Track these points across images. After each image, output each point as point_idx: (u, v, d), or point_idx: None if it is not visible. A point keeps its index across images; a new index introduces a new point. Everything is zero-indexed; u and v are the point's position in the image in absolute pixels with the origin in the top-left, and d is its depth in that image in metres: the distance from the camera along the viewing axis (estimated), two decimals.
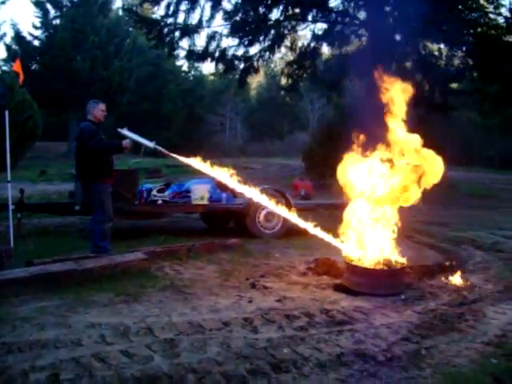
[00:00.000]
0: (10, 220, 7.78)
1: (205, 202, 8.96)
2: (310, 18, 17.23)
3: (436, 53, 17.42)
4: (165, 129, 40.44)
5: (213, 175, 6.86)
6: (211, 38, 16.94)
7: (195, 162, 6.65)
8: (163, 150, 6.74)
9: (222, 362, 3.67)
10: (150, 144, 6.66)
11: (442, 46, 17.26)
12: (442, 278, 6.17)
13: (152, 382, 3.36)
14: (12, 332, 4.16)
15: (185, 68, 48.29)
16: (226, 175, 6.60)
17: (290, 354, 3.84)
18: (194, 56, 17.53)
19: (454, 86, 19.11)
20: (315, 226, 6.60)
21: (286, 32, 17.50)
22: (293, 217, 6.86)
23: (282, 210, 7.07)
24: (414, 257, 6.41)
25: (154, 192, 8.91)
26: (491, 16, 16.62)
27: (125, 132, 6.69)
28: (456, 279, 6.05)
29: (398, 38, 16.28)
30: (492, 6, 16.57)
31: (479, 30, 16.49)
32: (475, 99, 19.25)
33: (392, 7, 15.65)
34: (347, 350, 3.94)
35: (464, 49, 16.74)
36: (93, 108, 6.94)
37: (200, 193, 8.95)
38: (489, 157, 29.03)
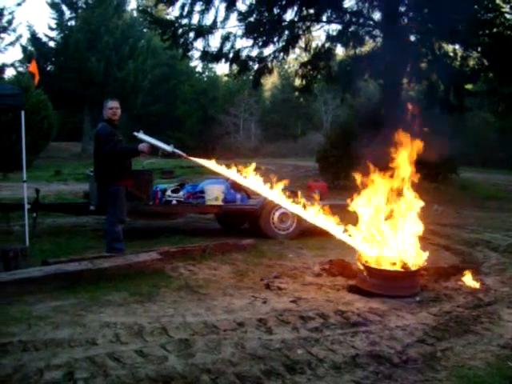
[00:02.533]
0: (25, 219, 7.85)
1: (219, 202, 8.96)
2: (324, 18, 17.16)
3: (451, 53, 17.31)
4: (178, 130, 40.54)
5: (230, 177, 6.85)
6: (225, 38, 16.92)
7: (213, 164, 6.62)
8: (181, 153, 6.67)
9: (236, 363, 3.67)
10: (168, 147, 6.55)
11: (457, 46, 17.15)
12: (458, 280, 6.12)
13: (166, 382, 3.36)
14: (27, 330, 4.19)
15: (199, 69, 48.36)
16: (242, 177, 6.57)
17: (304, 356, 3.83)
18: (208, 57, 17.52)
19: (469, 86, 18.94)
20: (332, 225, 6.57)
21: (300, 33, 17.46)
22: (309, 216, 6.82)
23: (298, 210, 7.04)
24: (429, 258, 6.36)
25: (169, 192, 8.93)
26: (507, 16, 16.48)
27: (141, 135, 6.61)
28: (471, 281, 6.00)
29: (412, 38, 16.22)
30: (508, 6, 16.43)
31: (495, 30, 16.33)
32: (491, 100, 19.09)
33: (406, 8, 15.58)
34: (362, 351, 3.93)
35: (479, 49, 16.62)
36: (104, 107, 6.82)
37: (214, 193, 8.95)
38: (504, 158, 28.79)
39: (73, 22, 37.23)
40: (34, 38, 36.43)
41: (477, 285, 5.94)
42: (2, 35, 33.92)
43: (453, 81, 16.29)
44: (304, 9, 16.69)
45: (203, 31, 16.62)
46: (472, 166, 24.36)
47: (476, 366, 3.72)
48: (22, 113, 7.91)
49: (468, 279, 6.04)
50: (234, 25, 17.41)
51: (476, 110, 23.17)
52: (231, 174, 6.59)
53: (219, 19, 16.53)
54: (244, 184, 6.88)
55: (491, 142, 30.36)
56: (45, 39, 37.21)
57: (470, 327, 4.53)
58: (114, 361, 3.64)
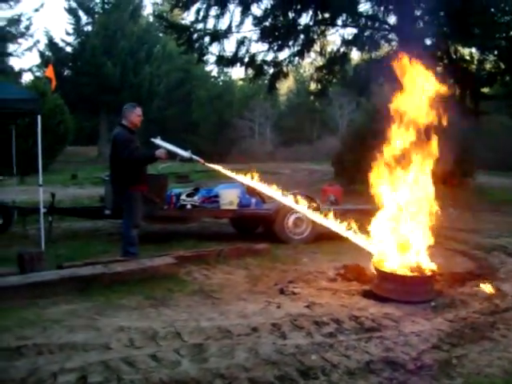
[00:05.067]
0: (41, 223, 7.91)
1: (234, 207, 8.96)
2: (339, 22, 17.11)
3: (467, 57, 17.19)
4: (193, 134, 40.62)
5: (246, 183, 6.87)
6: (241, 43, 16.94)
7: (228, 171, 6.65)
8: (199, 159, 6.69)
9: (250, 368, 3.66)
10: (185, 153, 6.56)
11: (473, 49, 17.03)
12: (473, 286, 6.06)
13: None
14: (42, 334, 4.21)
15: (214, 74, 48.43)
16: (257, 182, 6.59)
17: (318, 361, 3.81)
18: (223, 61, 17.55)
19: (486, 90, 18.77)
20: (347, 230, 6.56)
21: (315, 37, 17.42)
22: (324, 221, 6.81)
23: (312, 215, 7.03)
24: (444, 263, 6.31)
25: (184, 197, 8.95)
26: None
27: (158, 141, 6.62)
28: (487, 287, 5.93)
29: (428, 42, 16.12)
30: None
31: (511, 33, 16.20)
32: (507, 104, 18.93)
33: (422, 11, 15.50)
34: (376, 357, 3.90)
35: (496, 52, 16.49)
36: (129, 112, 6.72)
37: (229, 198, 8.96)
38: None
39: (89, 28, 37.63)
40: (51, 44, 36.90)
41: (493, 291, 5.87)
42: (20, 41, 34.54)
43: (469, 84, 16.17)
44: (319, 13, 16.64)
45: (218, 36, 16.65)
46: (489, 169, 24.13)
47: (492, 374, 3.68)
48: (39, 117, 7.97)
49: (484, 285, 5.98)
50: (249, 29, 17.43)
51: (493, 114, 22.96)
52: (246, 180, 6.61)
53: (234, 24, 16.55)
54: (260, 190, 6.90)
55: (509, 145, 30.10)
56: (62, 44, 37.73)
57: (486, 334, 4.49)
58: (127, 365, 3.65)
